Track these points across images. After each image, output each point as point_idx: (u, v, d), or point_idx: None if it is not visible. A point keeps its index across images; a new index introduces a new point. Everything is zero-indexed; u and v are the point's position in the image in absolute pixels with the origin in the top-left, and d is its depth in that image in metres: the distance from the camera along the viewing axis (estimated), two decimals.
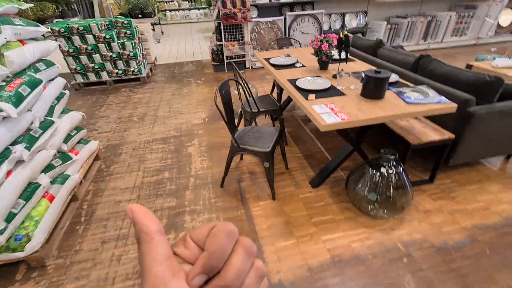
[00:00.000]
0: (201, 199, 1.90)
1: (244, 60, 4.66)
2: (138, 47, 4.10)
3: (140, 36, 4.31)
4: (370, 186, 1.57)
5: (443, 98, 1.52)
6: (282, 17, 4.55)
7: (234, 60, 4.54)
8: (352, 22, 5.04)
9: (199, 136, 2.65)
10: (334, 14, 4.94)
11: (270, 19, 4.51)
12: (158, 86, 4.12)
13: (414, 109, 1.42)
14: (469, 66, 3.46)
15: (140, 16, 6.80)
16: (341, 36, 1.75)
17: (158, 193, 1.97)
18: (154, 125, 2.91)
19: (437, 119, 1.85)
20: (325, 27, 4.91)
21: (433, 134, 1.74)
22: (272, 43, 3.89)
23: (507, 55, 3.42)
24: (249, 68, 4.74)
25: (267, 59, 2.44)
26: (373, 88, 1.53)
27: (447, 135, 1.73)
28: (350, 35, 2.86)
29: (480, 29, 5.48)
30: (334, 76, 1.71)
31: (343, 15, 4.97)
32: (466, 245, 1.50)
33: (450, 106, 1.45)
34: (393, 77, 1.83)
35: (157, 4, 8.91)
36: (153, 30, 7.89)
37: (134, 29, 3.94)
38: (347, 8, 4.99)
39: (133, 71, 4.03)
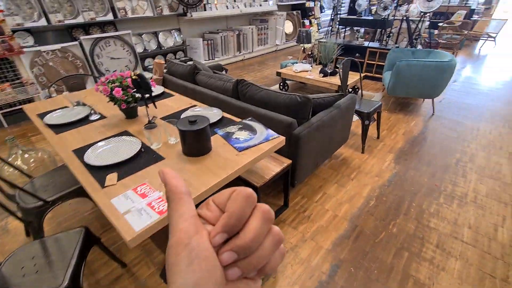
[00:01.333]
0: None
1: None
2: None
3: None
4: None
5: (270, 132, 1.37)
6: (77, 42, 3.56)
7: (13, 108, 3.12)
8: (168, 40, 4.72)
9: None
10: (145, 34, 4.43)
11: (58, 46, 3.40)
12: None
13: (246, 159, 1.17)
14: (278, 73, 3.93)
15: None
16: (133, 77, 1.27)
17: None
18: None
19: None
20: (139, 49, 4.32)
21: (275, 166, 1.62)
22: (54, 86, 2.88)
23: (301, 60, 4.14)
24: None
25: (42, 116, 1.61)
26: (194, 144, 1.17)
27: (286, 162, 1.66)
28: (151, 74, 2.48)
29: (276, 38, 6.62)
30: (149, 127, 1.22)
31: (156, 34, 4.55)
32: (336, 272, 1.46)
33: (279, 141, 1.31)
34: (216, 114, 1.56)
35: None
36: None
37: None
38: (158, 27, 4.61)
39: None
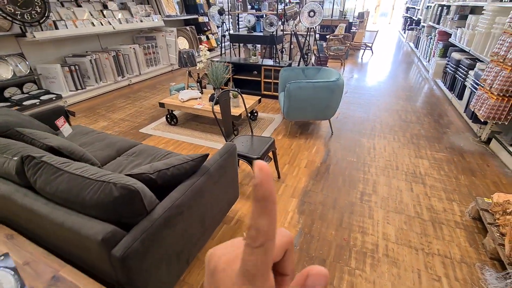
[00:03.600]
0: None
1: None
2: None
3: None
4: None
5: None
6: None
7: None
8: (1, 71, 3.39)
9: None
10: None
11: None
12: None
13: None
14: (161, 104, 3.20)
15: None
16: None
17: None
18: None
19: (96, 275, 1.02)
20: None
21: None
22: None
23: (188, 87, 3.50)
24: None
25: None
26: None
27: None
28: None
29: (169, 57, 5.85)
30: None
31: None
32: None
33: None
34: None
35: None
36: None
37: None
38: None
39: None
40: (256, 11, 4.98)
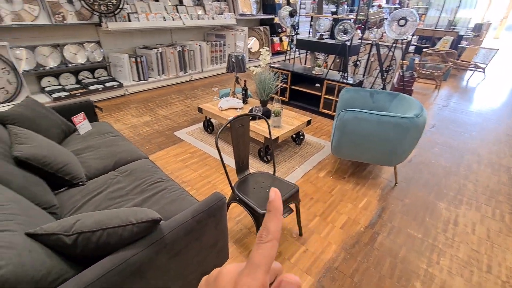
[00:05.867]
0: None
1: None
2: None
3: None
4: None
5: None
6: None
7: None
8: (78, 56, 3.72)
9: None
10: (42, 47, 3.42)
11: None
12: None
13: None
14: (200, 110, 2.94)
15: None
16: None
17: None
18: None
19: None
20: (28, 66, 3.30)
21: None
22: None
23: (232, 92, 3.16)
24: None
25: None
26: None
27: None
28: None
29: None
30: None
31: (59, 47, 3.54)
32: None
33: None
34: None
35: None
36: None
37: None
38: (62, 38, 3.60)
39: None
40: (332, 14, 4.30)
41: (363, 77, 3.80)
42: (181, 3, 4.70)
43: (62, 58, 3.58)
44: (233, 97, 3.09)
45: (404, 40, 3.83)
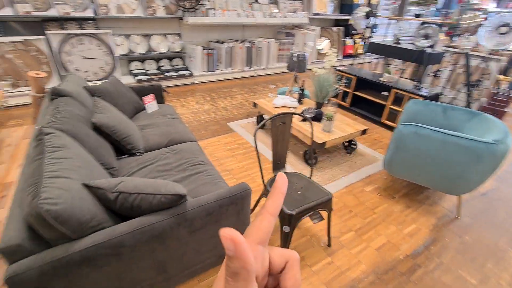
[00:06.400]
0: None
1: None
2: None
3: None
4: None
5: None
6: (43, 37, 3.29)
7: None
8: (160, 46, 4.23)
9: None
10: (135, 36, 4.01)
11: (19, 38, 3.17)
12: None
13: None
14: (255, 104, 3.04)
15: None
16: None
17: None
18: None
19: None
20: (122, 51, 3.91)
21: None
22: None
23: (290, 90, 3.15)
24: None
25: None
26: None
27: None
28: None
29: None
30: None
31: (147, 37, 4.10)
32: None
33: None
34: None
35: None
36: None
37: None
38: (151, 29, 4.15)
39: None
40: (416, 17, 3.83)
41: (443, 90, 3.32)
42: (256, 1, 4.87)
43: (148, 46, 4.13)
44: (290, 96, 3.09)
45: (507, 52, 3.22)
